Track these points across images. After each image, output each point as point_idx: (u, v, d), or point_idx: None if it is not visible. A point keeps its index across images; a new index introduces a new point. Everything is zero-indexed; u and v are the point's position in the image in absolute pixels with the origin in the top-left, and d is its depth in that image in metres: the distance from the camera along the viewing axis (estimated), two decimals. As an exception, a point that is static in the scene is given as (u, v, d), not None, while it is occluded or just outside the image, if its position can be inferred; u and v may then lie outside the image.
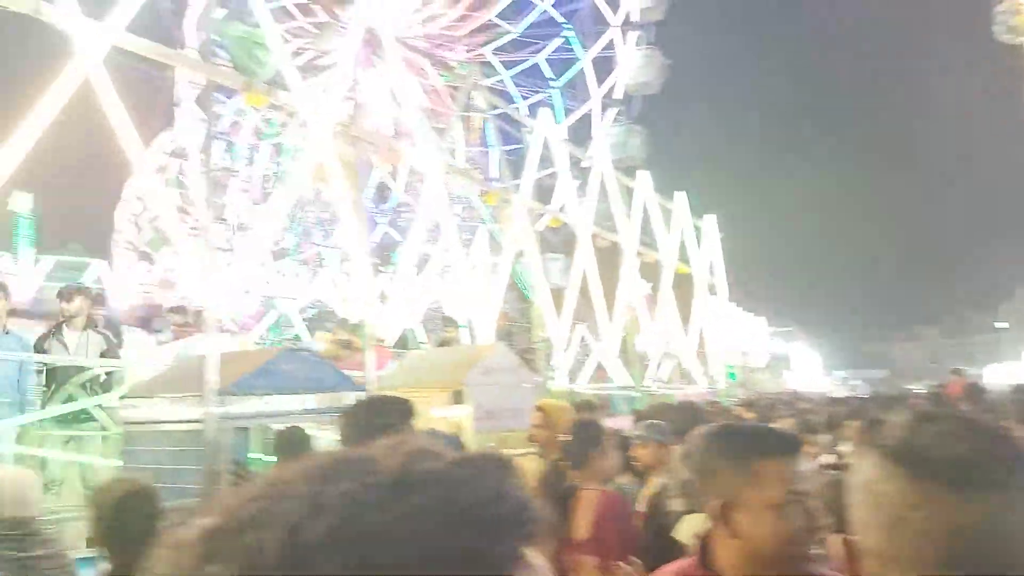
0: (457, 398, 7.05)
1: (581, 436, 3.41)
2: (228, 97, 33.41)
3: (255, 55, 5.72)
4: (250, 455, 6.54)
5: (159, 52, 5.80)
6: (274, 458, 6.11)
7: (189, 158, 33.74)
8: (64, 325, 6.24)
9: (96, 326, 6.61)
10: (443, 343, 11.29)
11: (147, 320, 10.33)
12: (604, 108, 27.38)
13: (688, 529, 2.26)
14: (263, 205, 34.63)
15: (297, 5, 26.16)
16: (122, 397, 6.33)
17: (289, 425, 5.05)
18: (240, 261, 6.25)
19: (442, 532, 0.45)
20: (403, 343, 11.00)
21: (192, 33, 30.77)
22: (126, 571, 3.26)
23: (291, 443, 4.61)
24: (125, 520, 3.41)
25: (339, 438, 3.84)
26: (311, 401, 6.14)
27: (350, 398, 6.52)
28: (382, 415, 3.62)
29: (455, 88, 29.61)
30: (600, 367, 14.25)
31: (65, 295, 6.31)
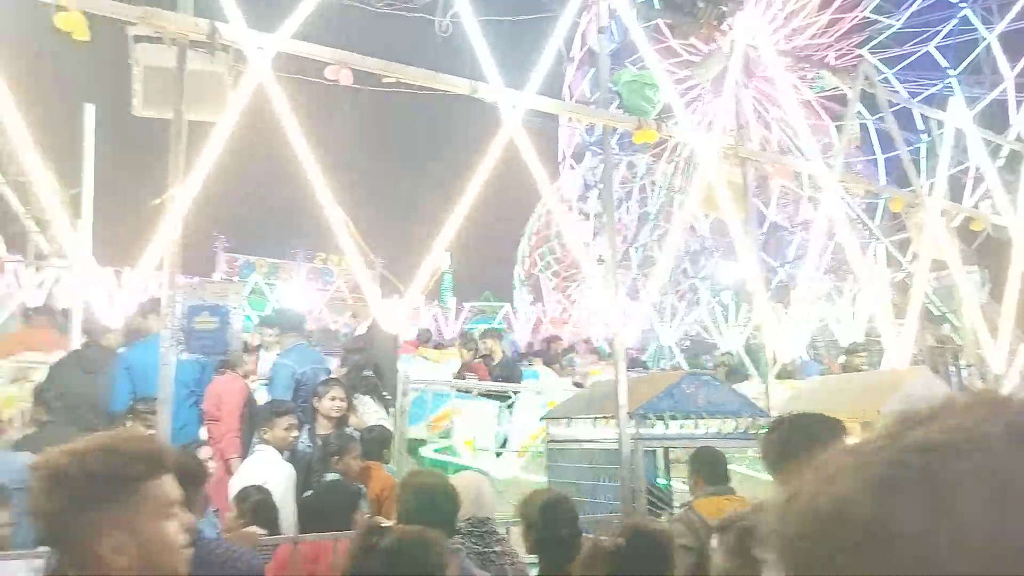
0: (870, 429, 6.38)
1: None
2: (601, 151, 36.16)
3: (646, 95, 6.05)
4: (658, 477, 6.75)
5: (557, 106, 6.41)
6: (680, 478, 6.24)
7: (571, 207, 36.94)
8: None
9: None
10: (849, 368, 10.39)
11: (545, 352, 11.59)
12: (1021, 90, 22.77)
13: None
14: (636, 245, 36.40)
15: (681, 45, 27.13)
16: (542, 418, 7.10)
17: (702, 445, 5.11)
18: (642, 296, 6.61)
19: None
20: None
21: (576, 83, 33.93)
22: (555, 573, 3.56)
23: (708, 462, 4.65)
24: (549, 527, 3.74)
25: (761, 456, 3.73)
26: (714, 425, 6.12)
27: (755, 423, 6.35)
28: (810, 434, 3.41)
29: (829, 99, 27.59)
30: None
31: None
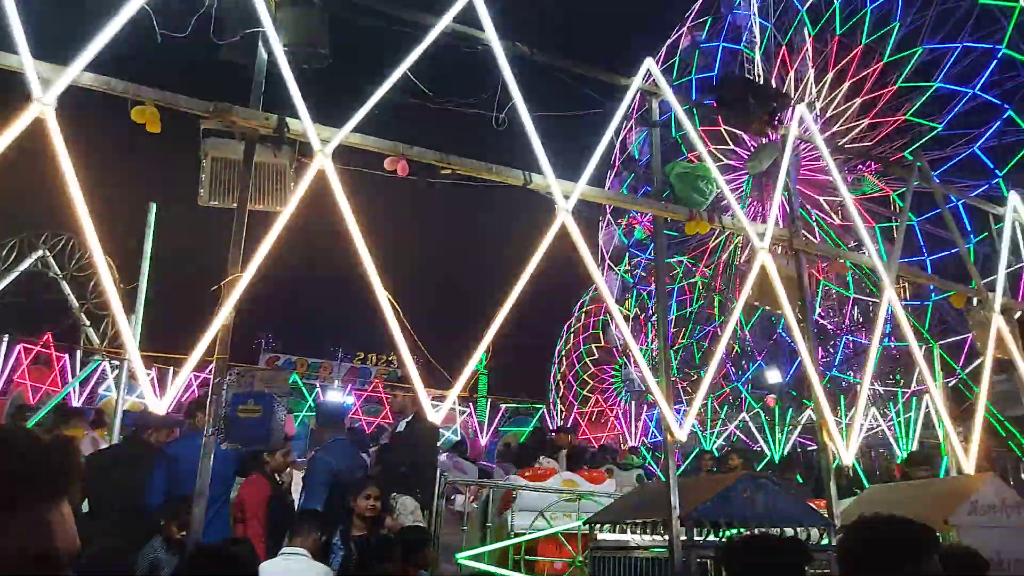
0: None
1: None
2: (642, 251, 36.58)
3: (699, 187, 6.04)
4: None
5: (609, 196, 6.41)
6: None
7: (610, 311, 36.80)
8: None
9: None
10: (909, 478, 9.77)
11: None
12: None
13: None
14: (675, 347, 35.97)
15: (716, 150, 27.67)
16: (585, 522, 6.70)
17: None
18: (690, 399, 6.40)
19: None
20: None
21: (614, 187, 34.62)
22: None
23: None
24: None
25: (839, 560, 3.40)
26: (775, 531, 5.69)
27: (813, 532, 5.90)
28: (899, 540, 3.11)
29: (869, 200, 27.54)
30: None
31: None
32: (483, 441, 24.26)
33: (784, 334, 29.16)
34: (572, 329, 39.08)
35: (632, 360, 30.90)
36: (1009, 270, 9.71)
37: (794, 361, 27.10)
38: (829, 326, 31.06)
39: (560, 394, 37.04)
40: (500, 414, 25.27)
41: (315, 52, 5.01)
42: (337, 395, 24.16)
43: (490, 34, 5.65)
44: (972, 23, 26.21)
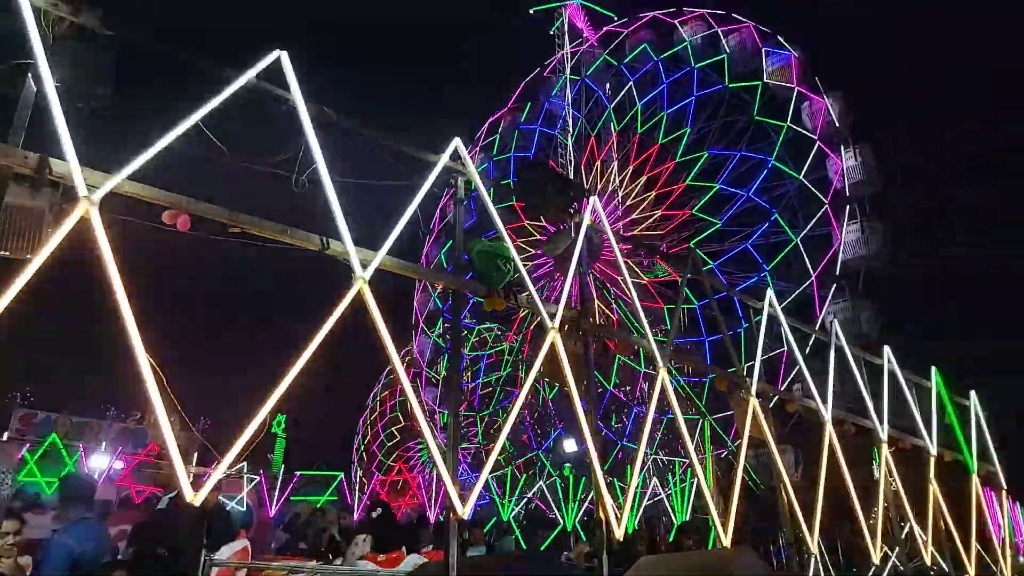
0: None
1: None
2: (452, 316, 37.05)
3: (498, 265, 6.24)
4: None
5: (416, 271, 6.45)
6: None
7: (421, 374, 36.66)
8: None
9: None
10: (678, 547, 10.48)
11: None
12: (824, 286, 26.32)
13: None
14: (483, 413, 36.45)
15: (531, 225, 29.03)
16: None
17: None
18: (483, 469, 6.43)
19: None
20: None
21: (433, 253, 34.96)
22: None
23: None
24: None
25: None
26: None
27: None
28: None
29: (664, 284, 30.20)
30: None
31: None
32: (271, 511, 22.68)
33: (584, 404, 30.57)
34: (378, 398, 38.23)
35: (439, 427, 30.80)
36: (766, 356, 10.93)
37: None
38: (622, 397, 33.07)
39: (363, 463, 35.83)
40: (293, 482, 23.90)
41: (94, 91, 4.61)
42: (103, 459, 21.56)
43: (295, 94, 5.54)
44: (749, 135, 30.40)
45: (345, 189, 5.96)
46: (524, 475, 29.05)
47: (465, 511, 5.49)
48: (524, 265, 6.92)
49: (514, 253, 6.56)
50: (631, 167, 33.31)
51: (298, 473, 23.63)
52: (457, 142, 6.63)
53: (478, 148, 38.40)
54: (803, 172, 27.75)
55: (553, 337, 6.46)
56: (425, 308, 37.62)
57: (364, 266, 5.41)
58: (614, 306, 32.34)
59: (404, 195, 6.74)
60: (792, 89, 28.62)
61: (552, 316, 6.59)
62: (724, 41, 31.02)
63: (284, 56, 5.68)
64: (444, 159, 6.47)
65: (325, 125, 5.86)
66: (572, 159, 34.99)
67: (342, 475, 24.45)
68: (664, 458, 25.54)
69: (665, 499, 21.07)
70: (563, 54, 36.95)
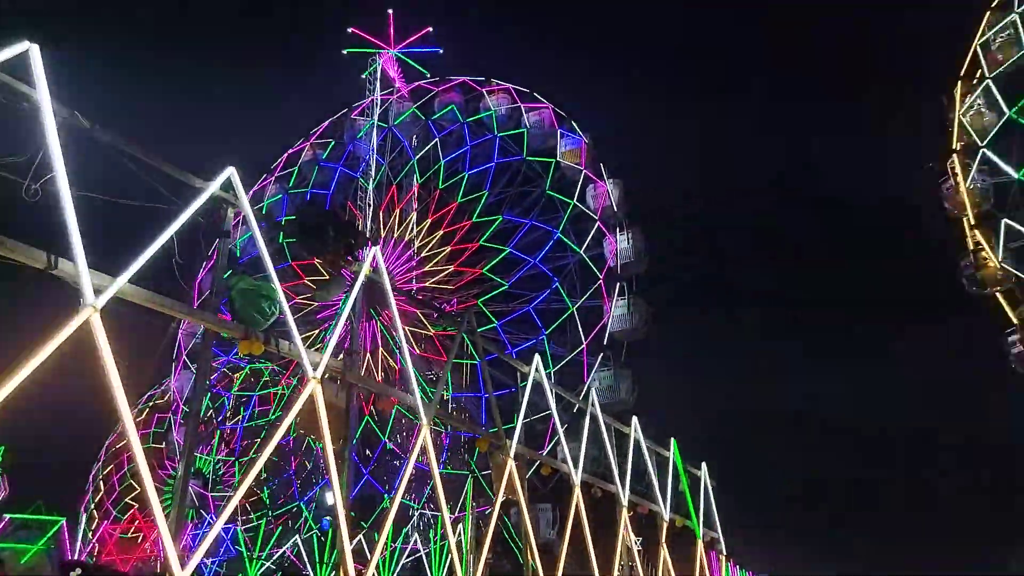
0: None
1: None
2: (224, 352, 34.54)
3: (260, 307, 5.90)
4: None
5: (161, 303, 5.96)
6: None
7: (178, 411, 33.60)
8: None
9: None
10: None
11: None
12: (592, 354, 28.37)
13: None
14: (244, 459, 33.99)
15: (300, 266, 28.07)
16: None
17: None
18: (216, 517, 5.91)
19: None
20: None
21: (195, 287, 32.52)
22: None
23: None
24: None
25: None
26: None
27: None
28: None
29: (449, 337, 30.69)
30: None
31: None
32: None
33: (355, 456, 29.75)
34: (113, 450, 34.17)
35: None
36: (530, 419, 11.37)
37: (356, 483, 27.58)
38: (396, 449, 32.65)
39: (96, 510, 31.53)
40: (3, 527, 20.56)
41: None
42: None
43: (41, 92, 4.91)
44: (540, 207, 32.51)
45: (92, 206, 5.37)
46: (280, 528, 27.32)
47: (186, 573, 4.97)
48: (307, 307, 6.63)
49: (280, 294, 6.24)
50: (430, 220, 33.97)
51: (7, 516, 20.33)
52: (231, 171, 6.25)
53: (274, 177, 37.00)
54: (583, 247, 30.12)
55: (313, 388, 6.19)
56: (191, 341, 34.73)
57: (98, 293, 4.84)
58: (399, 357, 32.20)
59: (170, 220, 6.20)
60: (580, 171, 31.23)
61: (315, 366, 6.33)
62: (525, 117, 33.19)
63: (35, 49, 5.03)
64: (213, 187, 6.06)
65: (77, 131, 5.25)
66: (372, 203, 34.91)
67: (63, 521, 21.30)
68: (430, 514, 25.37)
69: (424, 557, 20.84)
70: (372, 99, 37.05)
